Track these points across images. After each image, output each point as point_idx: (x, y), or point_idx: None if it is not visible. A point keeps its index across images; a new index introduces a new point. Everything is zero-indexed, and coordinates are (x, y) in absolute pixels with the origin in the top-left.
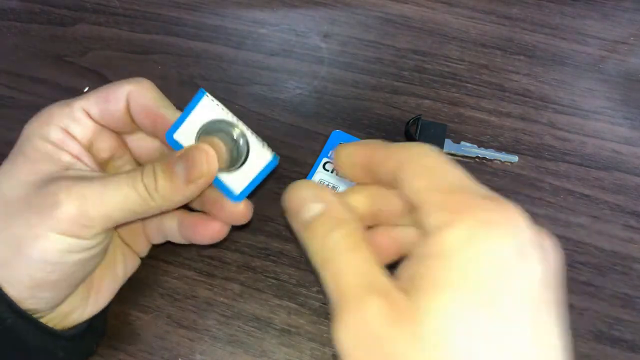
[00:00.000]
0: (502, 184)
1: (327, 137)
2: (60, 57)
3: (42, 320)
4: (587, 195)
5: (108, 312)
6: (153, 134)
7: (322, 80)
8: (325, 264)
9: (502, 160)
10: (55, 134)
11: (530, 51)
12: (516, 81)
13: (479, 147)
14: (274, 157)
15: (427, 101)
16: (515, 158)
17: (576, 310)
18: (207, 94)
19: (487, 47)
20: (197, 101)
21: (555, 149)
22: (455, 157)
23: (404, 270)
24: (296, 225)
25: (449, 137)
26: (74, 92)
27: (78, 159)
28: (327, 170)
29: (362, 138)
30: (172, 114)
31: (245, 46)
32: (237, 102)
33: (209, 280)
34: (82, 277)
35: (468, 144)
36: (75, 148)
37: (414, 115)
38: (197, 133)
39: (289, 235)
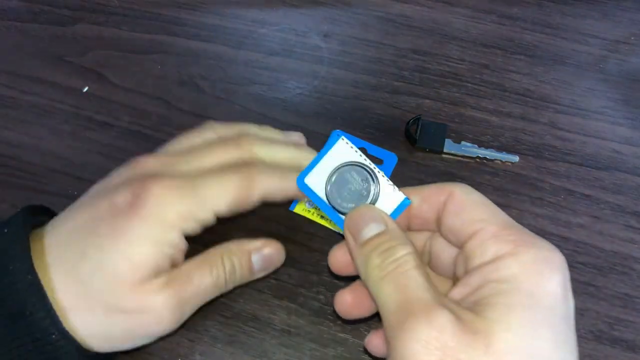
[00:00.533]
0: (502, 184)
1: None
2: (60, 57)
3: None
4: (587, 195)
5: None
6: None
7: (322, 80)
8: (389, 276)
9: (503, 160)
10: (174, 240)
11: (530, 51)
12: (517, 81)
13: (479, 147)
14: (405, 199)
15: (427, 101)
16: (515, 158)
17: (577, 311)
18: (343, 137)
19: (487, 47)
20: (332, 144)
21: (555, 148)
22: (456, 157)
23: (456, 293)
24: (356, 242)
25: (449, 137)
26: (73, 92)
27: (176, 262)
28: None
29: (362, 138)
30: None
31: (245, 46)
32: (237, 102)
33: None
34: None
35: (468, 144)
36: (182, 251)
37: (414, 115)
38: (329, 176)
39: (289, 236)
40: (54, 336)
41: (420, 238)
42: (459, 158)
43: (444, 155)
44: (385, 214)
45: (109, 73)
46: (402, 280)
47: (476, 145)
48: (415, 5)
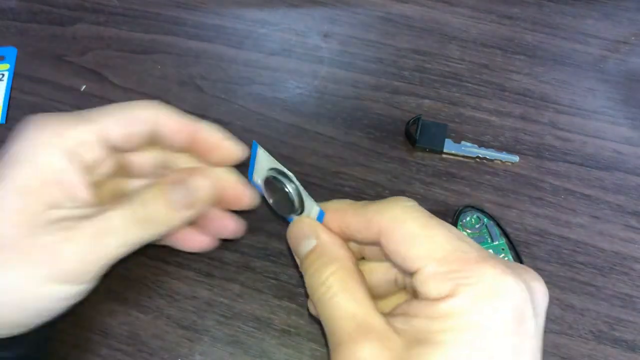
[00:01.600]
0: (502, 184)
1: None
2: (60, 57)
3: None
4: (587, 195)
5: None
6: (186, 148)
7: (322, 80)
8: (321, 305)
9: (503, 160)
10: (56, 162)
11: (530, 51)
12: (517, 81)
13: (479, 147)
14: (320, 212)
15: (427, 101)
16: (515, 158)
17: (577, 311)
18: (259, 146)
19: (487, 47)
20: (254, 152)
21: (556, 148)
22: (456, 157)
23: (400, 311)
24: (297, 261)
25: (449, 137)
26: (73, 92)
27: (72, 193)
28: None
29: (362, 138)
30: (205, 125)
31: (245, 46)
32: (237, 102)
33: (209, 281)
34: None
35: (469, 144)
36: (72, 181)
37: (414, 115)
38: (265, 176)
39: None
40: None
41: None
42: (459, 158)
43: (444, 155)
44: (317, 224)
45: (109, 73)
46: (330, 312)
47: (476, 145)
48: (415, 5)
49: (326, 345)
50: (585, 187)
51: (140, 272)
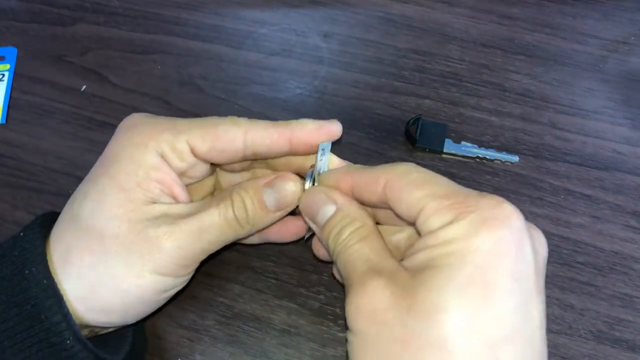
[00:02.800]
0: (502, 184)
1: None
2: (60, 57)
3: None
4: (587, 195)
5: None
6: (285, 153)
7: (322, 80)
8: (339, 256)
9: (503, 160)
10: (152, 160)
11: (530, 51)
12: (517, 81)
13: (479, 147)
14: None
15: (427, 101)
16: (515, 158)
17: (576, 311)
18: None
19: (487, 47)
20: None
21: (555, 149)
22: (456, 157)
23: (407, 254)
24: (314, 229)
25: (449, 137)
26: (73, 92)
27: (169, 190)
28: None
29: (362, 138)
30: (295, 123)
31: (245, 46)
32: (237, 102)
33: (209, 281)
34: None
35: (468, 144)
36: (169, 178)
37: (414, 115)
38: None
39: None
40: (68, 341)
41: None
42: (459, 158)
43: (444, 155)
44: (333, 190)
45: (109, 73)
46: (347, 257)
47: (476, 145)
48: (415, 5)
49: (326, 345)
50: (585, 187)
51: None
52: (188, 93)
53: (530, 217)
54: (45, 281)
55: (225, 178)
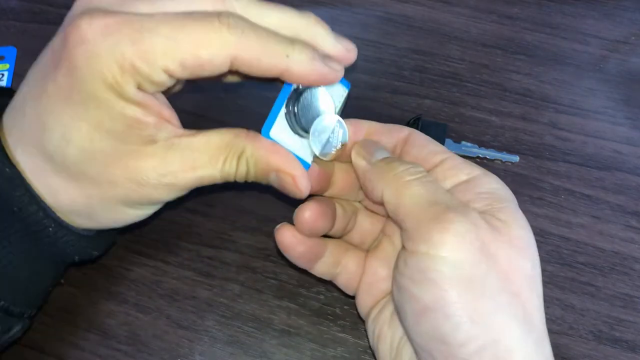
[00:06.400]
0: None
1: None
2: None
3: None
4: (588, 196)
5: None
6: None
7: None
8: (417, 180)
9: (503, 160)
10: (133, 110)
11: (531, 51)
12: (517, 81)
13: (479, 147)
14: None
15: (427, 101)
16: (516, 158)
17: (577, 311)
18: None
19: (487, 47)
20: (287, 92)
21: (556, 148)
22: None
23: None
24: (366, 166)
25: (449, 137)
26: None
27: (161, 120)
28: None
29: None
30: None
31: None
32: (237, 101)
33: (209, 281)
34: None
35: (469, 144)
36: (156, 110)
37: (414, 115)
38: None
39: None
40: (50, 229)
41: None
42: None
43: None
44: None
45: None
46: (429, 184)
47: (476, 145)
48: (415, 5)
49: (326, 345)
50: (585, 187)
51: (140, 272)
52: (188, 92)
53: (530, 217)
54: (7, 169)
55: None
